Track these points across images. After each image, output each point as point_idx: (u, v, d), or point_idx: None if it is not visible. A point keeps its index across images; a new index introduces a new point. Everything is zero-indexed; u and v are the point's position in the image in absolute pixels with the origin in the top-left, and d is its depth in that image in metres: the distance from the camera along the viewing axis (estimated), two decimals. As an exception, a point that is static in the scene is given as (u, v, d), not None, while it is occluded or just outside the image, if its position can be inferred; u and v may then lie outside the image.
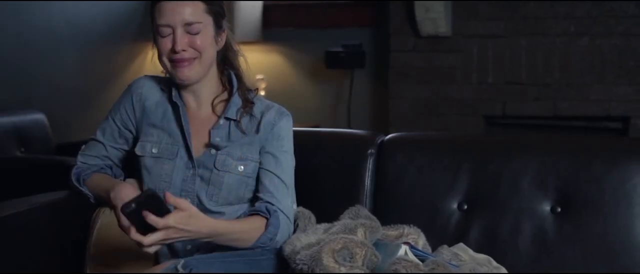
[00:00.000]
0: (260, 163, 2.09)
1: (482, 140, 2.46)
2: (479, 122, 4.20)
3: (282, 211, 2.03)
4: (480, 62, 4.16)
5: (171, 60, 2.06)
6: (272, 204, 2.04)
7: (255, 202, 2.07)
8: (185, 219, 1.84)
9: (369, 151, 2.28)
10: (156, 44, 2.08)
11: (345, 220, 2.02)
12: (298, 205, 2.17)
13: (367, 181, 2.25)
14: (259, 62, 4.73)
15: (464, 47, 4.18)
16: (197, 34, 2.04)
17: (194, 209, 1.88)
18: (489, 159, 2.19)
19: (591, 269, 2.04)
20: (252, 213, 2.03)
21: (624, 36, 3.95)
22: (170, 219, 1.82)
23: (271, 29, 4.79)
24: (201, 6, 2.05)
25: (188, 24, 2.03)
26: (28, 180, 3.03)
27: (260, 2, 4.70)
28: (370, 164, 2.26)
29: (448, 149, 2.26)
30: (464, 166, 2.19)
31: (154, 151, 2.11)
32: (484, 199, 2.16)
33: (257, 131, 2.10)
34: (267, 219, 2.01)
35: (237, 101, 2.12)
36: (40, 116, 3.99)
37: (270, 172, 2.08)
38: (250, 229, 1.99)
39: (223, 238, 1.95)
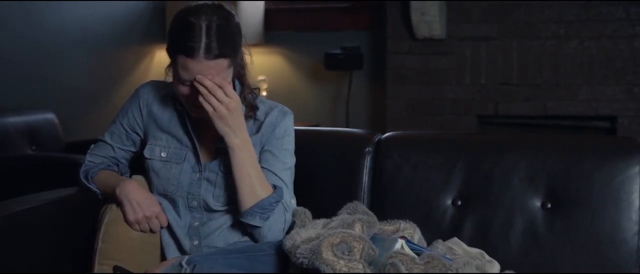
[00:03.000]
0: (260, 161, 2.07)
1: (475, 139, 2.45)
2: (472, 121, 4.20)
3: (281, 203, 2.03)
4: (474, 63, 4.16)
5: (187, 101, 2.00)
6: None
7: None
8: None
9: (367, 149, 2.28)
10: (174, 83, 1.99)
11: (343, 215, 2.02)
12: (298, 202, 2.16)
13: (365, 178, 2.25)
14: (261, 63, 4.73)
15: (458, 50, 4.18)
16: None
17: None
18: (482, 157, 2.19)
19: (580, 262, 2.04)
20: None
21: (611, 39, 3.95)
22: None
23: (273, 32, 4.79)
24: (225, 63, 1.94)
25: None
26: (39, 177, 3.02)
27: (262, 6, 4.70)
28: (367, 161, 2.26)
29: (443, 148, 2.26)
30: (458, 163, 2.19)
31: (162, 155, 2.11)
32: (477, 195, 2.15)
33: (259, 131, 2.08)
34: (275, 188, 2.02)
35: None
36: (50, 116, 3.99)
37: (269, 170, 2.06)
38: (263, 182, 2.00)
39: (245, 158, 1.98)
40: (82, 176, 2.18)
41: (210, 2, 1.98)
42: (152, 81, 2.21)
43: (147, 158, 2.12)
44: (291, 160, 2.11)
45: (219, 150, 2.07)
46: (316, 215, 2.10)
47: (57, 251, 2.14)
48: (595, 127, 4.10)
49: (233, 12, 2.01)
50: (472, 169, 2.17)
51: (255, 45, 4.65)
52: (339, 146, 2.32)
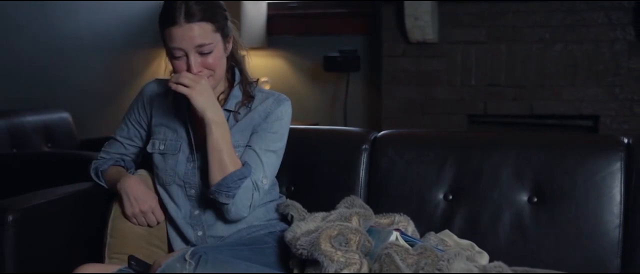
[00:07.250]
0: (248, 143, 2.03)
1: (465, 136, 2.45)
2: (462, 120, 4.20)
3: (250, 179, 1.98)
4: (464, 66, 4.16)
5: None
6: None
7: None
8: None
9: (363, 147, 2.28)
10: (170, 62, 2.00)
11: (341, 209, 2.02)
12: (297, 198, 2.15)
13: (362, 174, 2.25)
14: (263, 66, 4.73)
15: (449, 53, 4.17)
16: (209, 53, 1.96)
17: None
18: (472, 153, 2.19)
19: (564, 253, 2.04)
20: None
21: (593, 43, 3.95)
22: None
23: (274, 36, 4.78)
24: (209, 27, 1.95)
25: (200, 46, 1.94)
26: (55, 173, 3.02)
27: (265, 12, 4.70)
28: (364, 158, 2.26)
29: (434, 145, 2.26)
30: (449, 160, 2.19)
31: (161, 147, 2.09)
32: (467, 190, 2.15)
33: (249, 114, 2.05)
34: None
35: (237, 93, 2.08)
36: (65, 115, 3.98)
37: (251, 148, 2.01)
38: (234, 158, 1.96)
39: (219, 133, 1.94)
40: (92, 173, 2.18)
41: None
42: (156, 78, 2.20)
43: (149, 152, 2.11)
44: (278, 144, 2.05)
45: None
46: (315, 209, 2.10)
47: (73, 241, 2.14)
48: (578, 126, 4.10)
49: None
50: (463, 165, 2.17)
51: (258, 48, 4.65)
52: (337, 144, 2.32)
